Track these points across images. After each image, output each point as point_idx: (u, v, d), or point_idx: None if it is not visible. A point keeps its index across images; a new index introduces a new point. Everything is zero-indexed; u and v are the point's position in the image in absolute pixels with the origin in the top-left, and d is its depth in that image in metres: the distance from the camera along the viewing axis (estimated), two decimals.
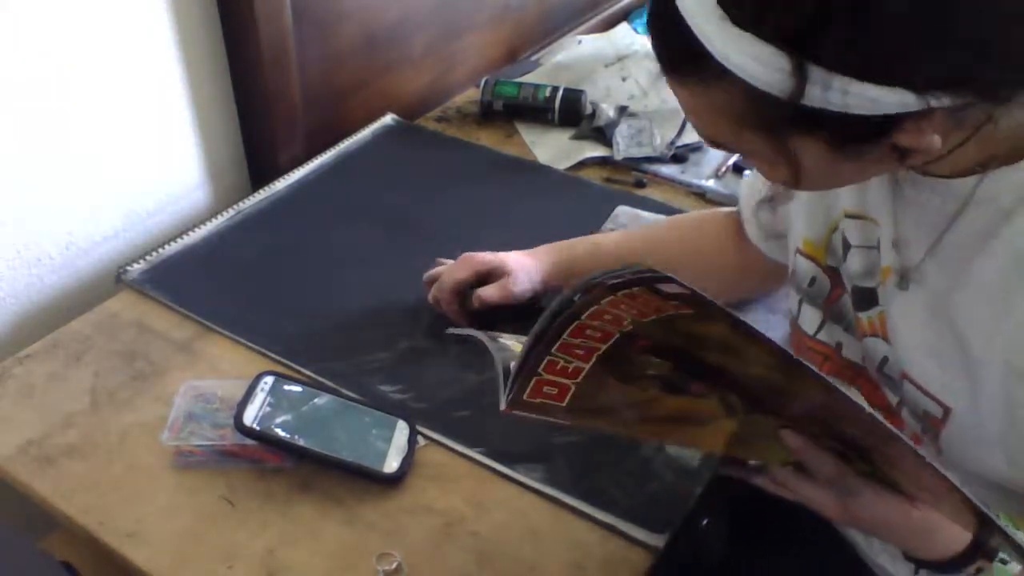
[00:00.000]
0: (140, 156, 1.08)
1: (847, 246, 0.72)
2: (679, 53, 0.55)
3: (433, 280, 0.96)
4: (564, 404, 0.60)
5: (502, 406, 0.59)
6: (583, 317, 0.53)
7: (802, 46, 0.49)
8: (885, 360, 0.69)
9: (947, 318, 0.62)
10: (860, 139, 0.53)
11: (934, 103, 0.49)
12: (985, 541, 0.59)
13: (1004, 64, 0.50)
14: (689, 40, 0.52)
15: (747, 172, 1.23)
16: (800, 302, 0.78)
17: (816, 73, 0.49)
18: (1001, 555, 0.59)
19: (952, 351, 0.62)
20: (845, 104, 0.50)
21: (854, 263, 0.71)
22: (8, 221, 0.97)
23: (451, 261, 0.97)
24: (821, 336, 0.76)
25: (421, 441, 0.84)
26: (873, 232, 0.69)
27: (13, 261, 0.99)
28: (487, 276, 0.93)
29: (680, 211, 1.17)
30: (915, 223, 0.65)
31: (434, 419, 0.86)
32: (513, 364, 0.57)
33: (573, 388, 0.58)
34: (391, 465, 0.80)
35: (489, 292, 0.92)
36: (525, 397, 0.58)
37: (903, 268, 0.66)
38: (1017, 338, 0.58)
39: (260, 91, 1.15)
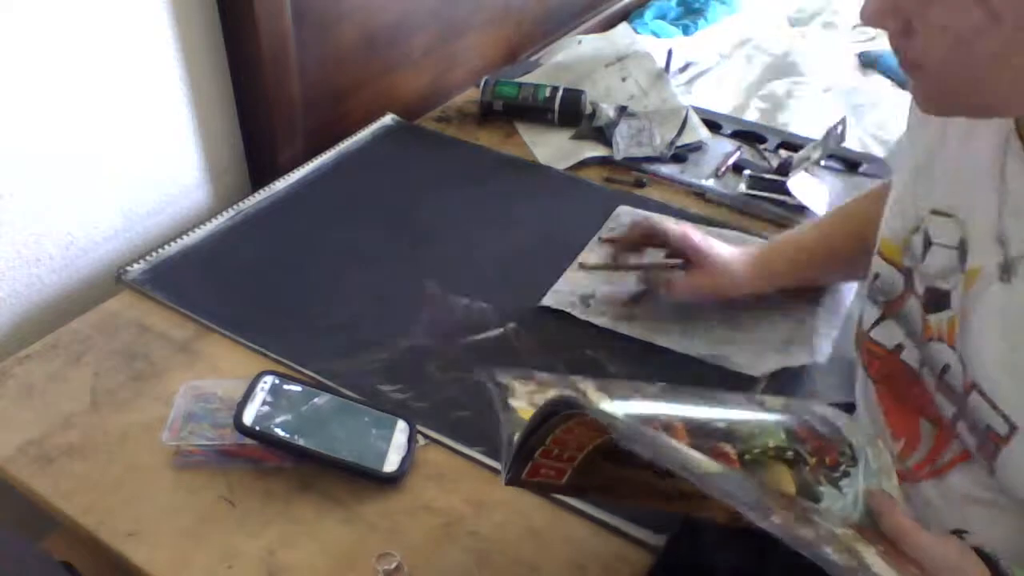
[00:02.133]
0: (140, 156, 1.08)
1: (928, 244, 0.69)
2: None
3: (645, 221, 0.99)
4: (563, 482, 0.61)
5: (503, 481, 0.60)
6: (555, 434, 0.55)
7: None
8: (947, 368, 0.66)
9: None
10: None
11: None
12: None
13: None
14: None
15: (747, 171, 1.24)
16: (867, 301, 0.76)
17: None
18: None
19: None
20: None
21: (933, 261, 0.68)
22: (8, 221, 0.97)
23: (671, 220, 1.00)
24: (878, 336, 0.73)
25: (421, 441, 0.84)
26: (956, 232, 0.66)
27: (13, 261, 0.99)
28: (687, 258, 0.95)
29: (680, 211, 1.17)
30: (1019, 212, 0.61)
31: (434, 418, 0.86)
32: (515, 439, 0.58)
33: (570, 471, 0.59)
34: (391, 465, 0.80)
35: (682, 287, 0.94)
36: (524, 476, 0.59)
37: (1007, 260, 0.61)
38: None
39: (260, 91, 1.15)
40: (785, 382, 0.92)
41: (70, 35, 0.95)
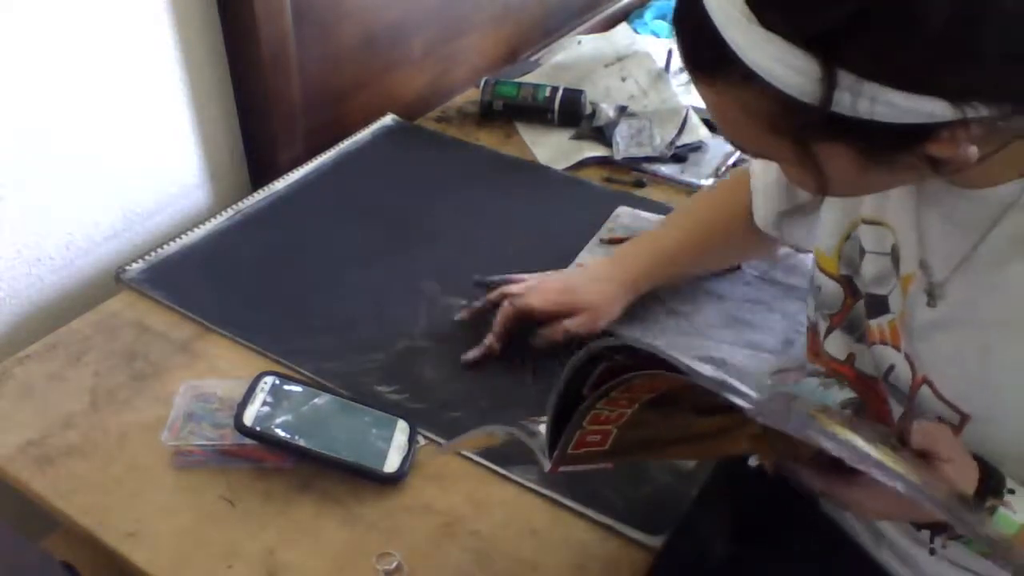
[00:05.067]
0: (140, 156, 1.08)
1: (862, 252, 0.71)
2: (704, 54, 0.54)
3: (501, 286, 0.96)
4: (607, 447, 0.60)
5: (546, 468, 0.59)
6: (611, 396, 0.54)
7: (834, 51, 0.47)
8: (891, 368, 0.69)
9: (974, 325, 0.61)
10: (891, 148, 0.52)
11: (971, 114, 0.48)
12: (990, 481, 0.58)
13: None
14: (715, 41, 0.51)
15: None
16: (816, 313, 0.77)
17: (846, 79, 0.48)
18: (1009, 486, 0.58)
19: (975, 358, 0.61)
20: (875, 112, 0.48)
21: (868, 269, 0.70)
22: (8, 221, 0.97)
23: (526, 279, 0.97)
24: (831, 347, 0.75)
25: (421, 441, 0.84)
26: (887, 239, 0.68)
27: (13, 261, 0.99)
28: (565, 313, 0.93)
29: None
30: (942, 234, 0.63)
31: (430, 419, 0.86)
32: (547, 426, 0.58)
33: (615, 431, 0.59)
34: (391, 465, 0.80)
35: (578, 326, 0.92)
36: (570, 450, 0.59)
37: (930, 285, 0.64)
38: None
39: (260, 91, 1.15)
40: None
41: (70, 35, 0.95)
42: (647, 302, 0.99)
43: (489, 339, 0.93)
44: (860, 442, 0.52)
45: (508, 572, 0.74)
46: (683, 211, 1.03)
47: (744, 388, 0.51)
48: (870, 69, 0.47)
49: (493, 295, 0.97)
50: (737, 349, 0.95)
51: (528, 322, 0.93)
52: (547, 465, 0.59)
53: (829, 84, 0.48)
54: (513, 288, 0.96)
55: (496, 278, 1.00)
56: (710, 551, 0.83)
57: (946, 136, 0.50)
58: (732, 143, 0.60)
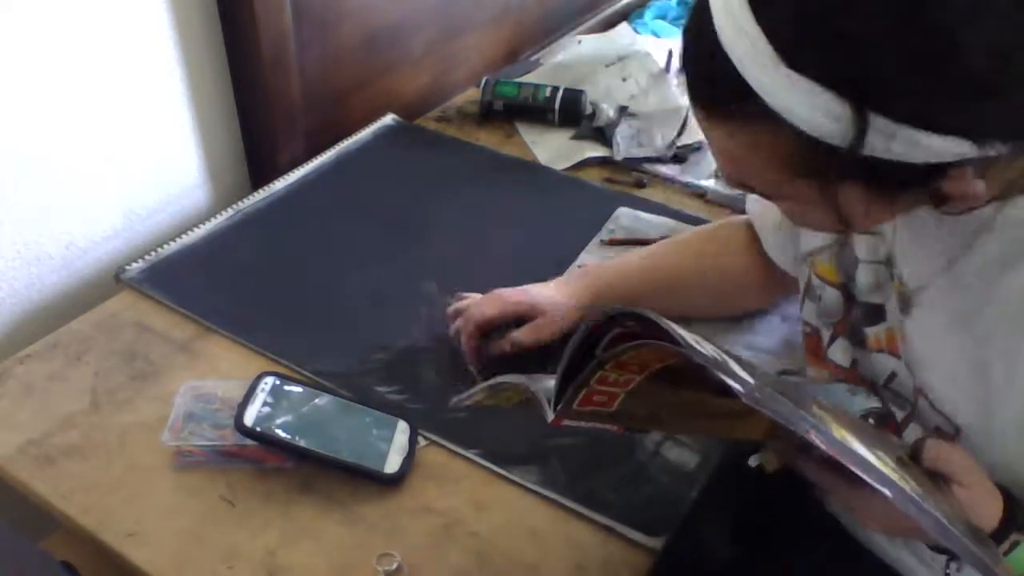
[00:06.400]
0: (140, 156, 1.08)
1: (856, 261, 0.71)
2: (720, 95, 0.52)
3: (458, 314, 0.93)
4: (614, 408, 0.60)
5: (549, 417, 0.58)
6: (622, 358, 0.54)
7: (867, 95, 0.47)
8: (893, 376, 0.69)
9: (966, 339, 0.61)
10: (903, 185, 0.52)
11: (991, 152, 0.48)
12: (1016, 514, 0.58)
13: None
14: (734, 81, 0.50)
15: None
16: (819, 320, 0.77)
17: (878, 122, 0.47)
18: None
19: (968, 371, 0.61)
20: (906, 153, 0.48)
21: (862, 278, 0.70)
22: (8, 221, 0.97)
23: (475, 295, 0.94)
24: (835, 355, 0.75)
25: (422, 441, 0.84)
26: (880, 247, 0.68)
27: (13, 261, 0.99)
28: (519, 317, 0.91)
29: (680, 211, 1.17)
30: (920, 247, 0.64)
31: (430, 420, 0.86)
32: (556, 379, 0.57)
33: (623, 395, 0.58)
34: (392, 465, 0.80)
35: (525, 335, 0.89)
36: (575, 406, 0.58)
37: (905, 294, 0.65)
38: None
39: (260, 91, 1.15)
40: None
41: (70, 35, 0.95)
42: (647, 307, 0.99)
43: (472, 368, 0.91)
44: (856, 444, 0.52)
45: (508, 573, 0.74)
46: (662, 243, 1.02)
47: (742, 372, 0.51)
48: (905, 113, 0.47)
49: (450, 318, 0.94)
50: (737, 350, 0.95)
51: (493, 330, 0.91)
52: (550, 415, 0.58)
53: (861, 127, 0.47)
54: (463, 304, 0.94)
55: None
56: (710, 553, 0.84)
57: (957, 173, 0.50)
58: (733, 183, 0.59)
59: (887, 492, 0.49)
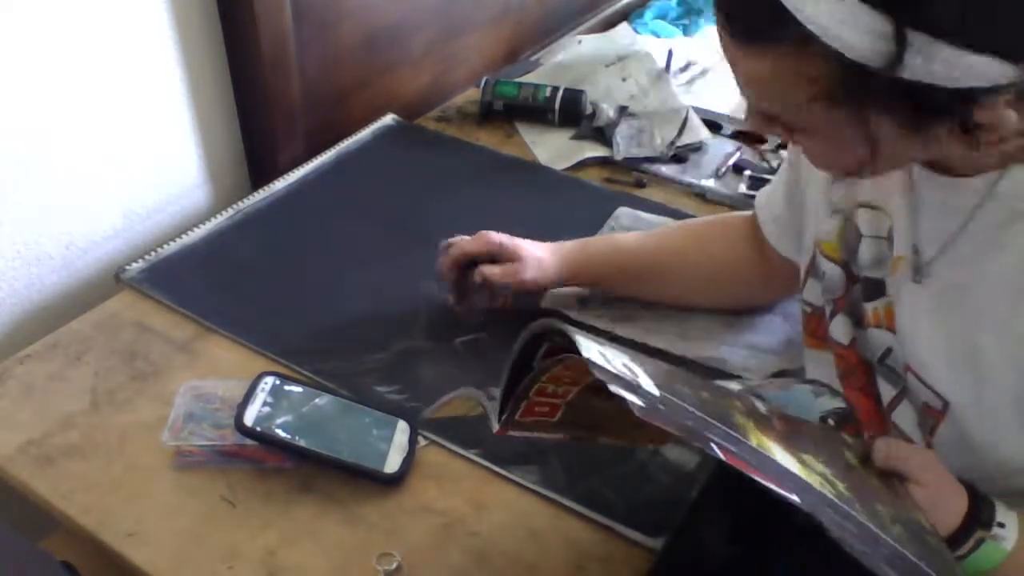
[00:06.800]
0: (140, 156, 1.08)
1: (859, 236, 0.71)
2: (755, 16, 0.51)
3: (447, 249, 0.97)
4: (556, 419, 0.61)
5: (495, 428, 0.60)
6: (552, 371, 0.56)
7: (907, 8, 0.45)
8: (888, 351, 0.69)
9: (958, 313, 0.62)
10: (937, 115, 0.50)
11: None
12: (980, 510, 0.57)
13: None
14: (767, 3, 0.49)
15: (747, 172, 1.24)
16: (823, 298, 0.77)
17: (918, 40, 0.45)
18: (998, 519, 0.56)
19: (959, 346, 0.62)
20: (944, 75, 0.46)
21: (866, 253, 0.70)
22: (8, 221, 0.97)
23: (467, 237, 0.98)
24: (835, 332, 0.75)
25: (422, 441, 0.84)
26: (883, 223, 0.69)
27: (13, 261, 0.99)
28: (498, 256, 0.94)
29: (680, 211, 1.17)
30: (931, 220, 0.64)
31: (431, 420, 0.85)
32: (499, 391, 0.59)
33: (563, 406, 0.60)
34: (392, 465, 0.80)
35: (492, 270, 0.92)
36: (518, 417, 0.60)
37: (917, 263, 0.65)
38: None
39: (260, 91, 1.15)
40: None
41: (70, 35, 0.95)
42: (647, 304, 0.99)
43: (450, 297, 0.96)
44: (778, 451, 0.52)
45: (508, 573, 0.74)
46: (666, 227, 1.04)
47: (649, 385, 0.50)
48: (945, 28, 0.45)
49: (441, 253, 0.97)
50: (737, 350, 0.95)
51: (472, 264, 0.94)
52: (496, 426, 0.60)
53: (900, 46, 0.46)
54: (454, 240, 0.97)
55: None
56: (710, 552, 0.83)
57: (989, 102, 0.48)
58: (762, 118, 0.57)
59: (795, 499, 0.49)
